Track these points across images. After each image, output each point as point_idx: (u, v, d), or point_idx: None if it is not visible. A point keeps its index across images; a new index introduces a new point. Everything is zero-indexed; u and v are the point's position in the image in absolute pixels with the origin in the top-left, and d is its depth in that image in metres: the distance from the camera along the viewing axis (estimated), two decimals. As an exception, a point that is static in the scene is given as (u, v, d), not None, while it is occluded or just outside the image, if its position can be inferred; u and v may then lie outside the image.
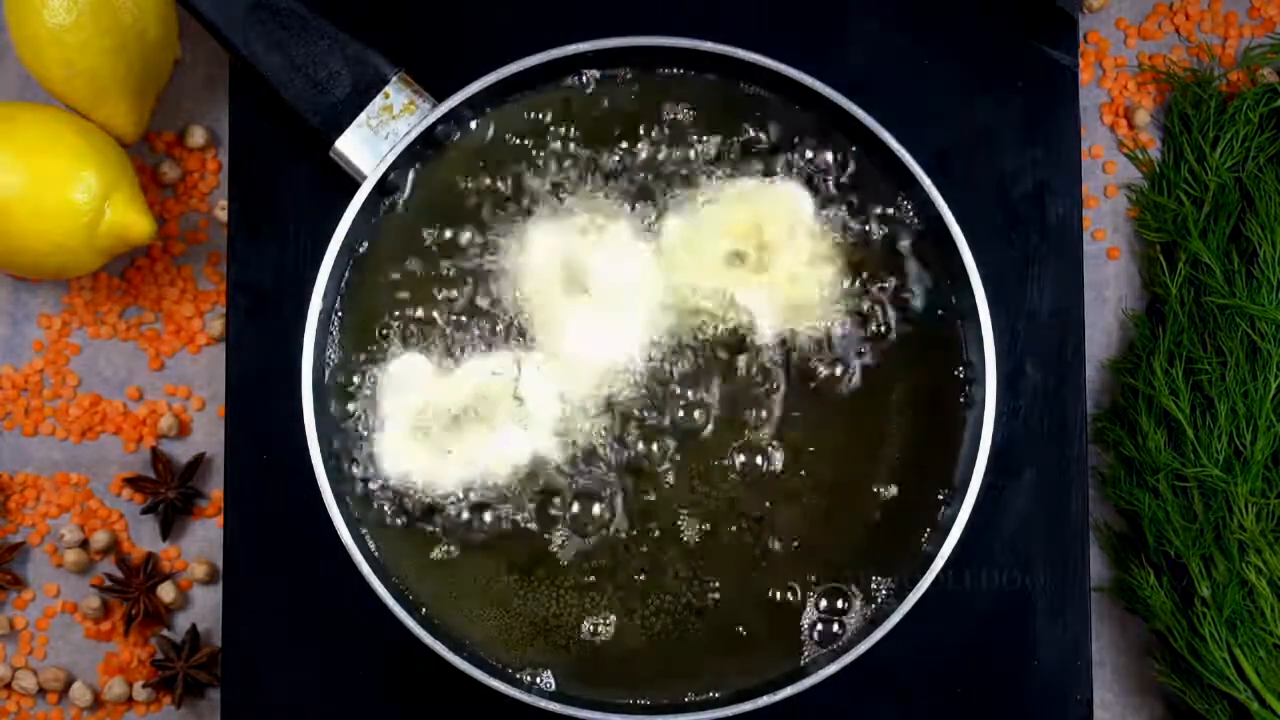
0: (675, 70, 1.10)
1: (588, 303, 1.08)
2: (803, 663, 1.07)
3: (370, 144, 1.08)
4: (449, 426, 1.07)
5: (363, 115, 1.08)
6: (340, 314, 1.08)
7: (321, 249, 1.07)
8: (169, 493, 1.16)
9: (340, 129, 1.08)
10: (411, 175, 1.09)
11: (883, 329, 1.09)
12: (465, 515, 1.07)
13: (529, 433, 1.07)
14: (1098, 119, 1.20)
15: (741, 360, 1.08)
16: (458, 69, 1.08)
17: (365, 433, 1.07)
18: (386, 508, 1.07)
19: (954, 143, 1.14)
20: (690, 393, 1.08)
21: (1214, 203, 1.15)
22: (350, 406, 1.08)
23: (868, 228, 1.09)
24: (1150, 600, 1.13)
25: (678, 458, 1.07)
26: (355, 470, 1.07)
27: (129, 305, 1.18)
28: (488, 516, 1.07)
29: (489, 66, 1.08)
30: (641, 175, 1.09)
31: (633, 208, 1.08)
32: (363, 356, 1.08)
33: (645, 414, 1.08)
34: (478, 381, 1.07)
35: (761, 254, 1.08)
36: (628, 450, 1.07)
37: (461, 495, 1.07)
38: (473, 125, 1.09)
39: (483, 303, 1.08)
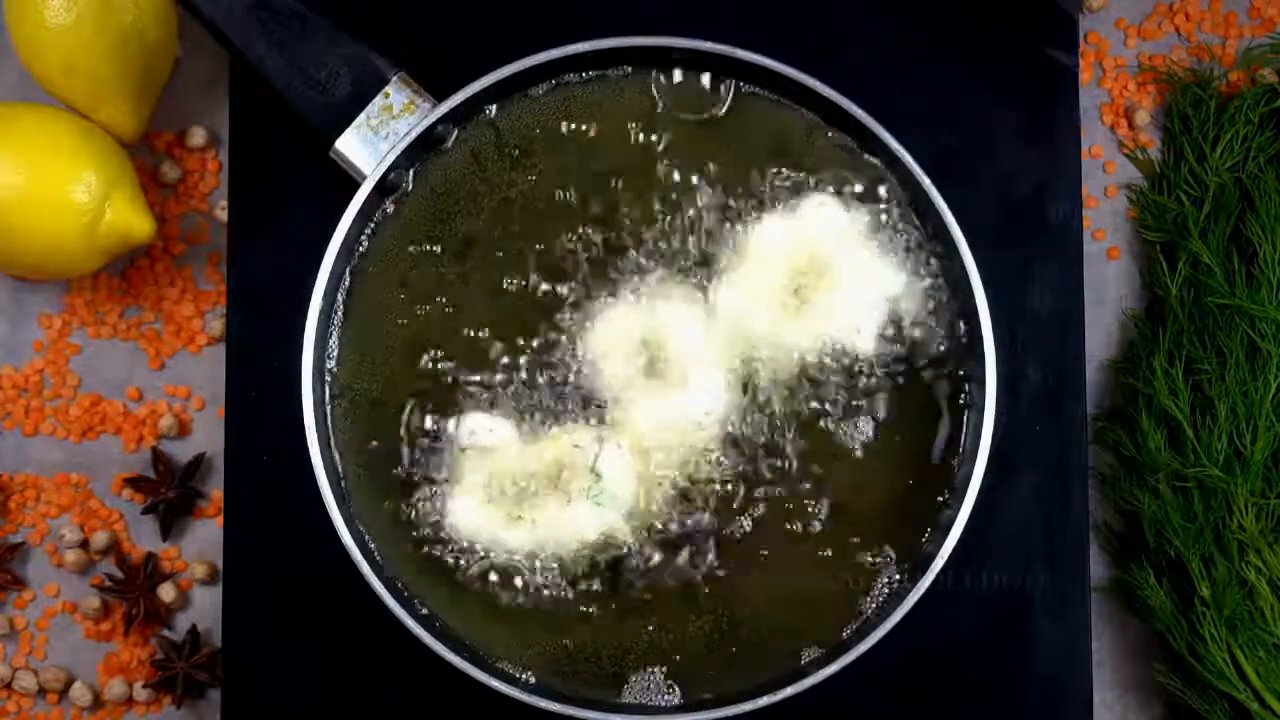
0: (678, 72, 1.10)
1: (663, 385, 1.07)
2: (803, 662, 1.07)
3: (370, 144, 1.08)
4: (523, 492, 1.06)
5: (363, 115, 1.08)
6: (341, 315, 1.08)
7: (321, 249, 1.07)
8: (169, 493, 1.15)
9: (340, 129, 1.08)
10: (411, 175, 1.09)
11: (891, 333, 1.09)
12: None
13: (603, 510, 1.06)
14: (1098, 119, 1.20)
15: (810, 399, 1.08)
16: (458, 69, 1.08)
17: (429, 485, 1.07)
18: (447, 558, 1.07)
19: (954, 143, 1.14)
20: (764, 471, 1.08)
21: (1214, 203, 1.15)
22: (410, 455, 1.07)
23: (879, 236, 1.09)
24: (1150, 600, 1.13)
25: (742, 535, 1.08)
26: (415, 518, 1.07)
27: (129, 305, 1.18)
28: (542, 579, 1.07)
29: (489, 66, 1.08)
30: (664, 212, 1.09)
31: (693, 277, 1.08)
32: (426, 415, 1.08)
33: (713, 499, 1.08)
34: (557, 450, 1.07)
35: (818, 282, 1.08)
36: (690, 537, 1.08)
37: (527, 561, 1.07)
38: (472, 126, 1.09)
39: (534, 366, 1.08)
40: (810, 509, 1.08)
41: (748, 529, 1.07)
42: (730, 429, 1.07)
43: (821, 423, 1.08)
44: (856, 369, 1.08)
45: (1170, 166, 1.18)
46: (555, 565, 1.06)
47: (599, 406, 1.07)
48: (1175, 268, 1.15)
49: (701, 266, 1.08)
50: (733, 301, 1.08)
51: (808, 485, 1.08)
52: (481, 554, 1.07)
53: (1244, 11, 1.20)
